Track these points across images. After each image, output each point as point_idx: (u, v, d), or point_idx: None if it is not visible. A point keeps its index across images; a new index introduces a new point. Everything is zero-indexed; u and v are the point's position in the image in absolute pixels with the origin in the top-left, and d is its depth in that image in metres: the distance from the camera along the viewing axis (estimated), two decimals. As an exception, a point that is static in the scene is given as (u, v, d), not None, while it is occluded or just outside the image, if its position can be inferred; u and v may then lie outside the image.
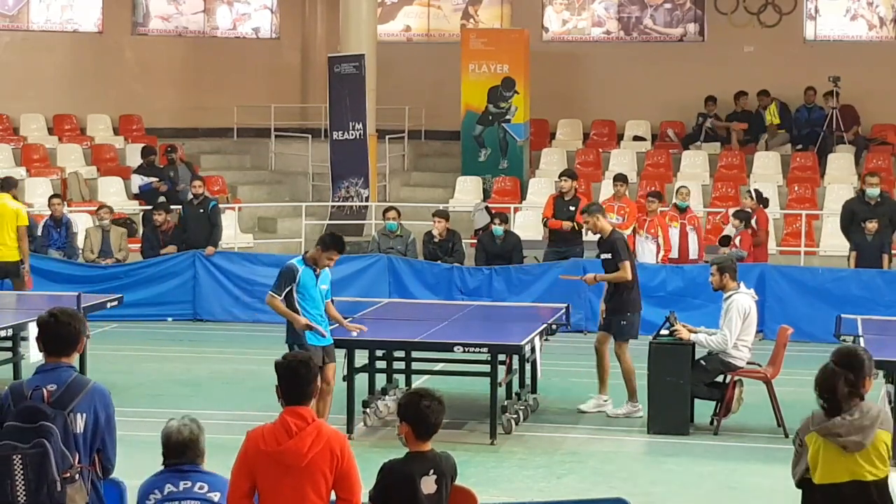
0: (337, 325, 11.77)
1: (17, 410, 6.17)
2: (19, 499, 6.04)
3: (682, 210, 18.50)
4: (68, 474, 6.17)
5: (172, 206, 20.13)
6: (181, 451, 6.44)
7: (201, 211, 18.58)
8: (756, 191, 19.37)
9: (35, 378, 6.31)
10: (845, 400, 6.34)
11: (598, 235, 13.39)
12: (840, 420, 6.31)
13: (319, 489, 5.96)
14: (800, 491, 10.76)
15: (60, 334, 6.36)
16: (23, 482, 6.04)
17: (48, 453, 6.06)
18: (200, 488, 6.34)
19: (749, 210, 18.63)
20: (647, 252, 18.07)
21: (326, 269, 11.51)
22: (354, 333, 11.81)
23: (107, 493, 6.69)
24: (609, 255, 13.15)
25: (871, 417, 6.32)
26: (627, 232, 18.33)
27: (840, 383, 6.35)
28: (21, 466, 6.04)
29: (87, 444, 6.28)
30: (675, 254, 18.25)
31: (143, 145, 23.62)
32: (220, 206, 19.98)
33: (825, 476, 6.38)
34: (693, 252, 18.33)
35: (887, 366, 11.29)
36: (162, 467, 6.48)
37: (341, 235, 11.81)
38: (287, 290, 11.31)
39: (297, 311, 11.31)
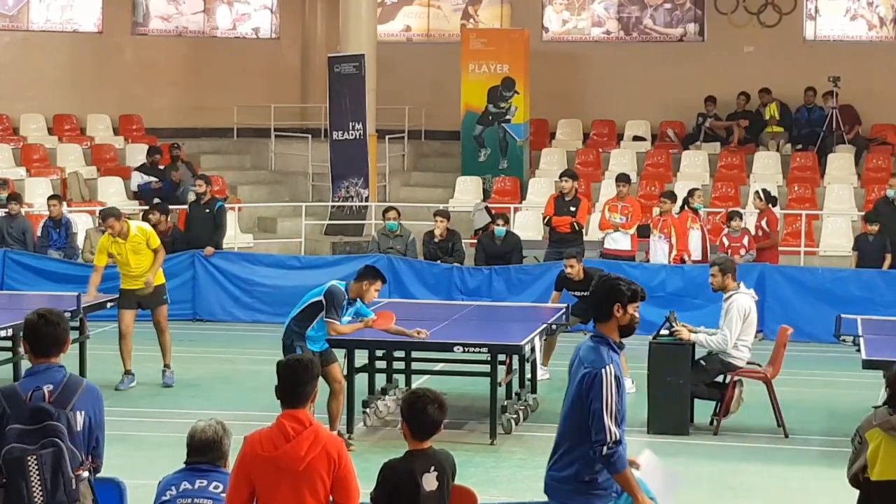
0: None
1: (20, 412, 6.14)
2: (36, 499, 6.02)
3: (696, 212, 18.40)
4: (80, 471, 6.19)
5: (175, 207, 20.09)
6: (203, 451, 6.48)
7: (207, 211, 18.53)
8: (764, 190, 19.27)
9: (29, 380, 6.28)
10: None
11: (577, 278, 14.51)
12: None
13: (317, 493, 5.93)
14: (798, 490, 10.80)
15: (49, 335, 6.34)
16: (39, 483, 6.02)
17: (63, 452, 6.07)
18: (215, 487, 6.36)
19: (741, 210, 18.54)
20: (659, 252, 18.02)
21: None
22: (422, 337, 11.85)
23: (107, 493, 6.70)
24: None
25: None
26: (631, 231, 18.35)
27: None
28: (37, 467, 6.02)
29: (86, 442, 6.29)
30: (697, 255, 18.07)
31: (145, 145, 23.72)
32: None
33: (884, 472, 6.37)
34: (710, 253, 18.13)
35: (886, 366, 11.26)
36: (184, 465, 6.53)
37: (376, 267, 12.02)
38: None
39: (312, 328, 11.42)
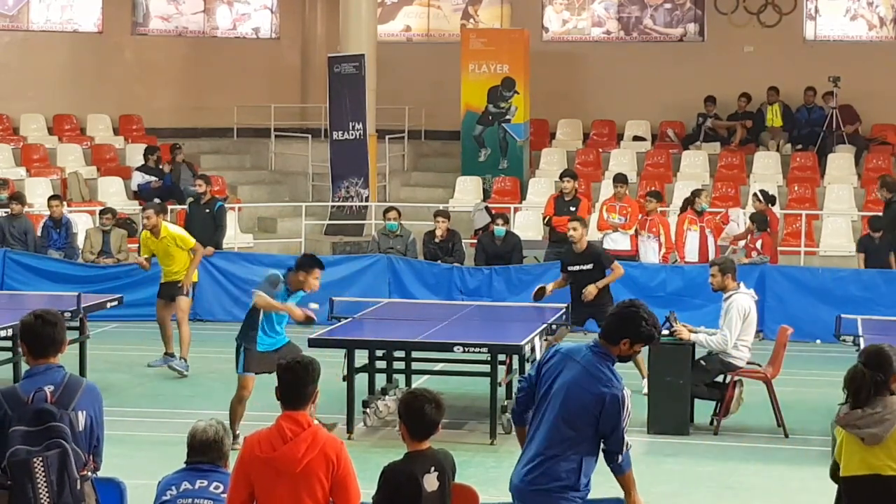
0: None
1: (22, 414, 6.11)
2: (42, 501, 6.00)
3: (700, 213, 18.40)
4: (84, 472, 6.18)
5: (175, 207, 20.06)
6: (203, 451, 6.50)
7: (207, 211, 18.51)
8: (762, 191, 19.25)
9: (29, 381, 6.25)
10: (871, 396, 6.40)
11: (577, 247, 14.43)
12: (861, 412, 6.38)
13: (315, 495, 5.90)
14: (798, 490, 10.83)
15: (47, 335, 6.31)
16: (45, 485, 6.00)
17: (68, 453, 6.05)
18: (216, 488, 6.37)
19: (764, 213, 18.53)
20: (649, 251, 18.04)
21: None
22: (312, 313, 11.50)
23: (107, 493, 6.70)
24: (592, 265, 14.23)
25: (893, 412, 6.33)
26: (630, 232, 18.35)
27: (866, 381, 6.42)
28: (43, 469, 6.00)
29: (87, 441, 6.27)
30: (694, 257, 18.08)
31: (144, 145, 23.68)
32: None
33: (848, 469, 6.43)
34: (712, 255, 18.09)
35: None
36: (184, 465, 6.55)
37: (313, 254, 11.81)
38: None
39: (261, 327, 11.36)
